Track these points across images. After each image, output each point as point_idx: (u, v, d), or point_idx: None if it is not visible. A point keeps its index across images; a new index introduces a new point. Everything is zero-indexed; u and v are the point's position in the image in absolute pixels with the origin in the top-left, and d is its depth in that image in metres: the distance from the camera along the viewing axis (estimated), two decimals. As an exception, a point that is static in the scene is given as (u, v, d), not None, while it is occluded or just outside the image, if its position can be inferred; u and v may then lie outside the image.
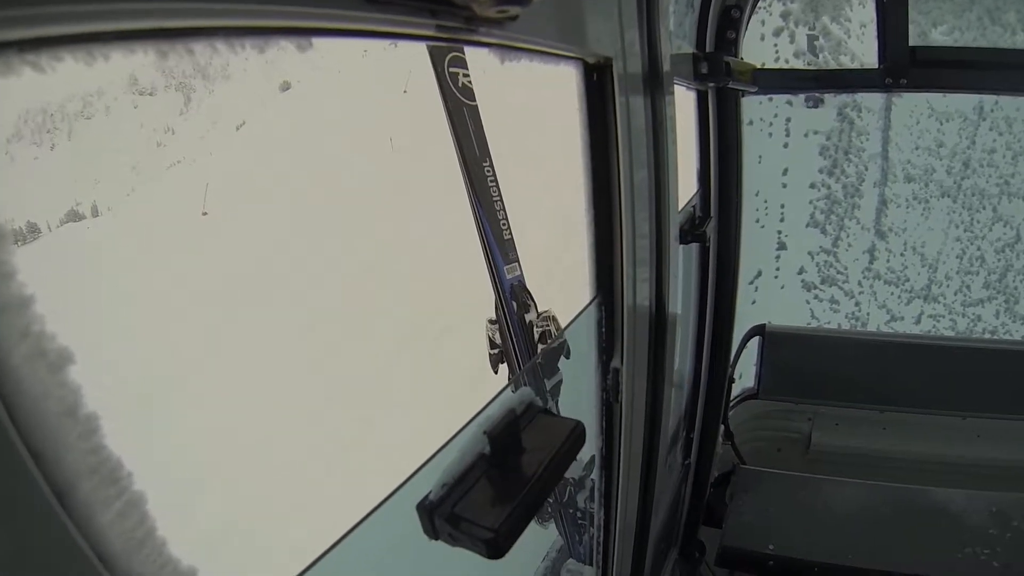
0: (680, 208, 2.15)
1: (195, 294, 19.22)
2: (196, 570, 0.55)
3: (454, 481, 0.87)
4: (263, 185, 27.63)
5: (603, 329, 1.38)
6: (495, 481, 0.89)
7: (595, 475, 1.62)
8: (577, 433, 0.98)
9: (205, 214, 28.02)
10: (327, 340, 14.96)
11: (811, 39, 7.95)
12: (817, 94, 8.57)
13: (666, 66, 1.45)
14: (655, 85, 1.41)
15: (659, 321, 1.54)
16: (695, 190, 2.76)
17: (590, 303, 1.35)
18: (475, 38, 0.72)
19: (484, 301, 2.99)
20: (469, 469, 0.89)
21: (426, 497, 0.87)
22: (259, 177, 28.70)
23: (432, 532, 0.87)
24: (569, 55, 1.11)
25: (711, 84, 2.41)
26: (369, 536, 0.88)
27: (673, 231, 1.56)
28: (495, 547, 0.82)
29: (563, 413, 2.81)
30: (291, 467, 10.99)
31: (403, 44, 0.71)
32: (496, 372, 3.02)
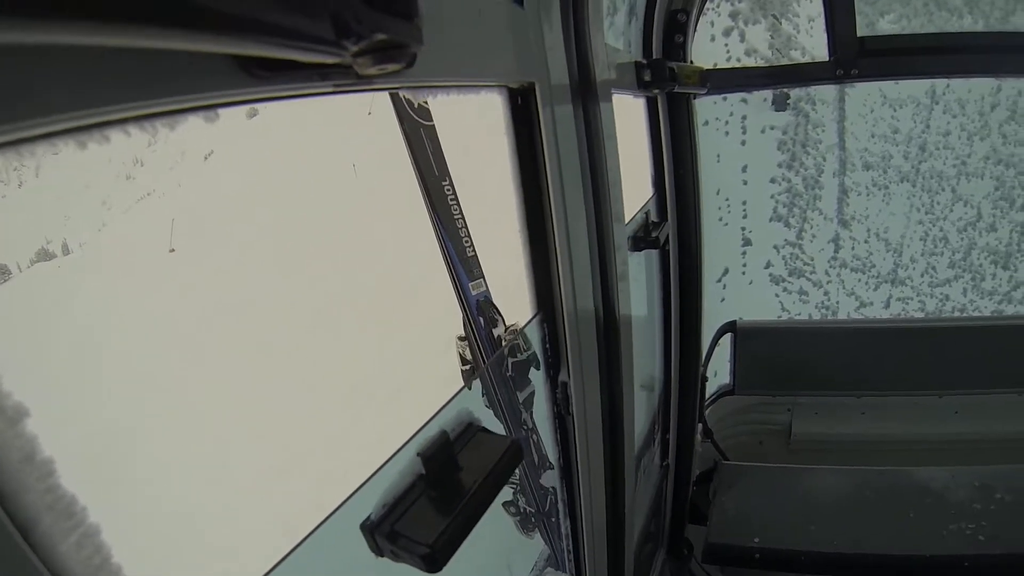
0: (632, 216, 2.18)
1: (164, 333, 18.84)
2: None
3: (394, 501, 0.91)
4: (231, 217, 27.18)
5: (548, 345, 1.40)
6: (432, 499, 0.93)
7: (556, 486, 1.64)
8: (513, 450, 1.01)
9: (173, 251, 27.43)
10: (297, 373, 14.75)
11: (774, 27, 8.06)
12: (779, 95, 8.70)
13: (601, 78, 1.47)
14: (588, 99, 1.43)
15: (609, 331, 1.56)
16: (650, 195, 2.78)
17: (531, 320, 1.37)
18: (376, 87, 0.73)
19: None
20: (408, 489, 0.93)
21: (368, 517, 0.91)
22: (227, 210, 28.23)
23: (376, 550, 0.91)
24: (488, 84, 1.13)
25: (655, 91, 2.42)
26: (318, 555, 0.91)
27: (619, 240, 1.58)
28: (432, 561, 0.86)
29: (537, 423, 2.83)
30: (248, 497, 10.91)
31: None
32: (470, 387, 3.02)
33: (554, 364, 1.43)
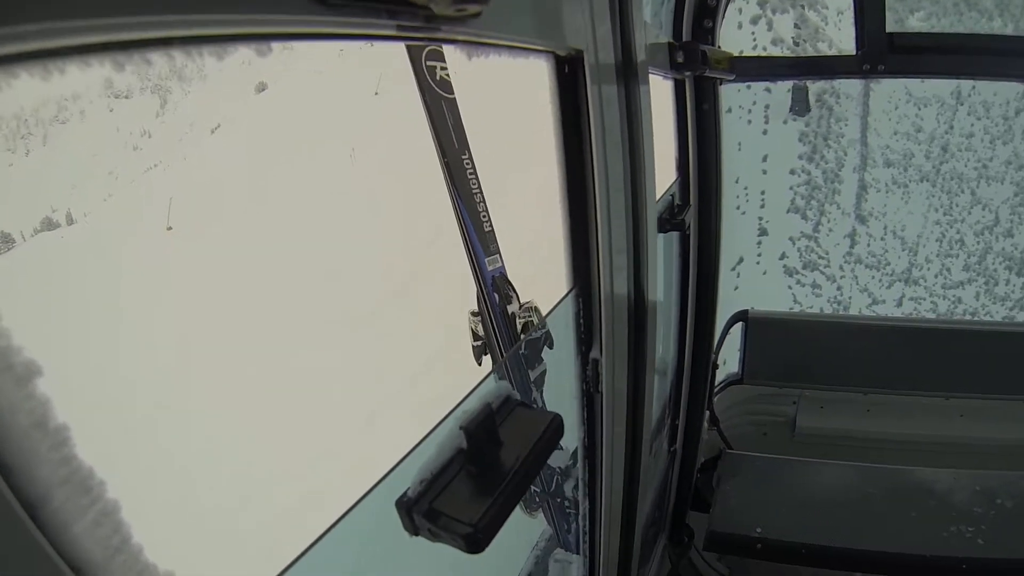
0: (659, 197, 2.17)
1: (169, 303, 18.84)
2: (173, 573, 0.55)
3: (432, 477, 0.87)
4: (237, 192, 27.00)
5: (581, 320, 1.38)
6: (473, 476, 0.89)
7: (579, 465, 1.63)
8: (555, 426, 0.98)
9: (170, 228, 27.13)
10: (301, 353, 14.72)
11: (802, 17, 7.95)
12: (799, 100, 8.63)
13: (640, 56, 1.45)
14: (629, 75, 1.41)
15: (638, 310, 1.54)
16: (674, 178, 2.76)
17: (567, 294, 1.35)
18: (438, 36, 0.70)
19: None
20: (447, 464, 0.89)
21: (404, 494, 0.86)
22: (233, 184, 28.06)
23: (412, 528, 0.86)
24: (539, 48, 1.10)
25: (687, 73, 2.40)
26: (350, 533, 0.88)
27: (650, 220, 1.56)
28: (474, 542, 0.82)
29: (547, 403, 2.83)
30: (266, 470, 10.91)
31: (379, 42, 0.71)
32: (480, 364, 3.02)
33: (586, 340, 1.41)
